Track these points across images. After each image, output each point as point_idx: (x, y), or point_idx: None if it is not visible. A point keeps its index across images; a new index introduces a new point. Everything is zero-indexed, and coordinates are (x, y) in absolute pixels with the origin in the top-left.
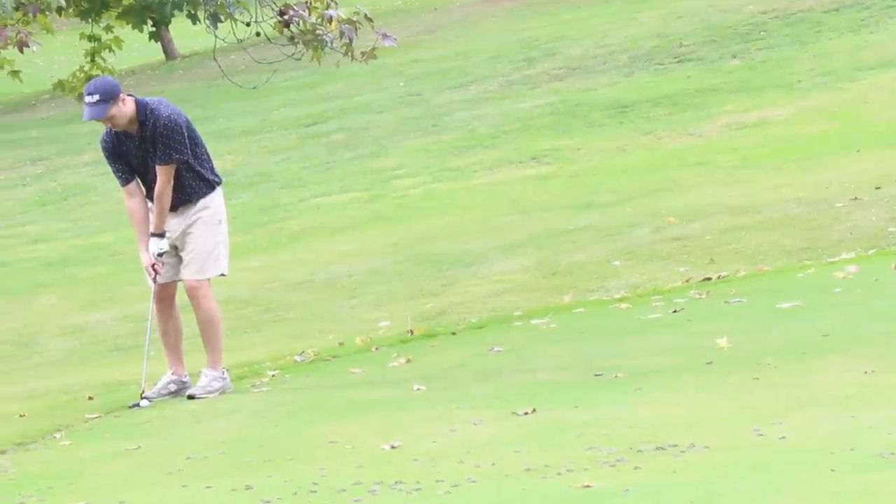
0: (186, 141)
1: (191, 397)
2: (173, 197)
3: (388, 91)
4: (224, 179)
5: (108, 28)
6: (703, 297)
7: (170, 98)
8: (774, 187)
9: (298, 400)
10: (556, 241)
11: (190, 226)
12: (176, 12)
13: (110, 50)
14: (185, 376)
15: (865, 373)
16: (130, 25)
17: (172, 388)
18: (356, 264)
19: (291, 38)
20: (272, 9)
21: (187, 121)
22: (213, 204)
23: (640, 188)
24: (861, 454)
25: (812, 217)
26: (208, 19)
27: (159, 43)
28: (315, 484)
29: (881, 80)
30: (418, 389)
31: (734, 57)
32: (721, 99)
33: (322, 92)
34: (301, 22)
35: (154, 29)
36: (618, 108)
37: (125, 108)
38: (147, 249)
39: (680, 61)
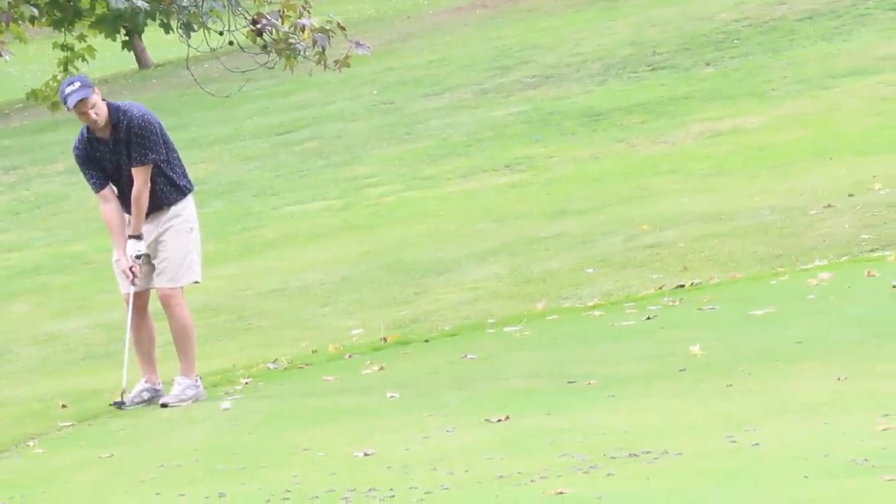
0: (161, 141)
1: (164, 405)
2: (151, 209)
3: (361, 99)
4: (196, 187)
5: (82, 37)
6: (677, 304)
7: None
8: (748, 195)
9: (272, 407)
10: (529, 248)
11: (162, 234)
12: (149, 21)
13: (83, 59)
14: (159, 384)
15: (838, 379)
16: (103, 34)
17: (146, 396)
18: (329, 272)
19: (264, 47)
20: (245, 18)
21: (160, 124)
22: (185, 212)
23: (613, 196)
24: (834, 460)
25: (785, 224)
26: (181, 28)
27: (132, 52)
28: (288, 491)
29: (854, 87)
30: (391, 397)
31: (708, 65)
32: (694, 107)
33: (295, 100)
34: (274, 31)
35: (127, 38)
36: (591, 116)
37: (102, 104)
38: (125, 253)
39: (653, 69)
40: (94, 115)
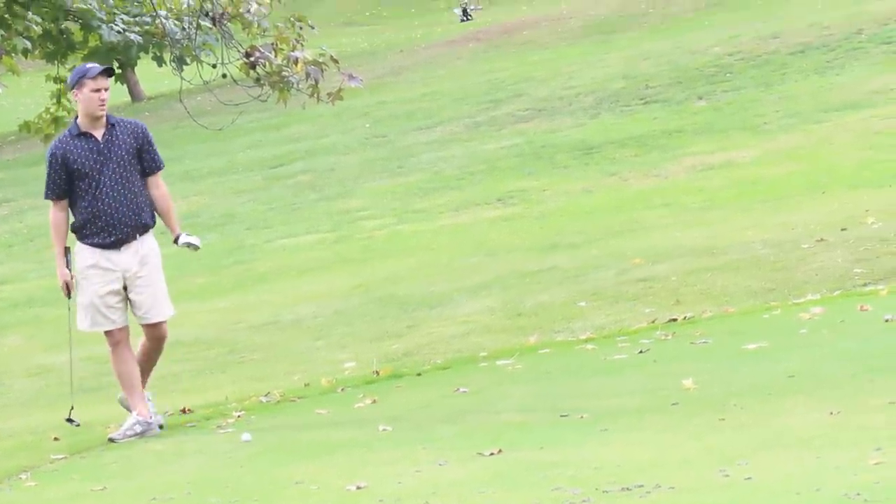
0: None
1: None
2: (133, 224)
3: (354, 132)
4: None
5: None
6: (669, 338)
7: None
8: (740, 228)
9: (264, 440)
10: (521, 282)
11: (143, 267)
12: (142, 54)
13: None
14: (150, 416)
15: (831, 413)
16: None
17: (138, 429)
18: (322, 305)
19: (258, 80)
20: (238, 50)
21: None
22: (155, 244)
23: (605, 229)
24: (827, 495)
25: (778, 258)
26: (174, 61)
27: (125, 85)
28: None
29: (846, 121)
30: (384, 430)
31: (700, 98)
32: (687, 140)
33: (288, 133)
34: (267, 63)
35: (120, 71)
36: (584, 150)
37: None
38: (65, 265)
39: (646, 103)
40: (105, 96)
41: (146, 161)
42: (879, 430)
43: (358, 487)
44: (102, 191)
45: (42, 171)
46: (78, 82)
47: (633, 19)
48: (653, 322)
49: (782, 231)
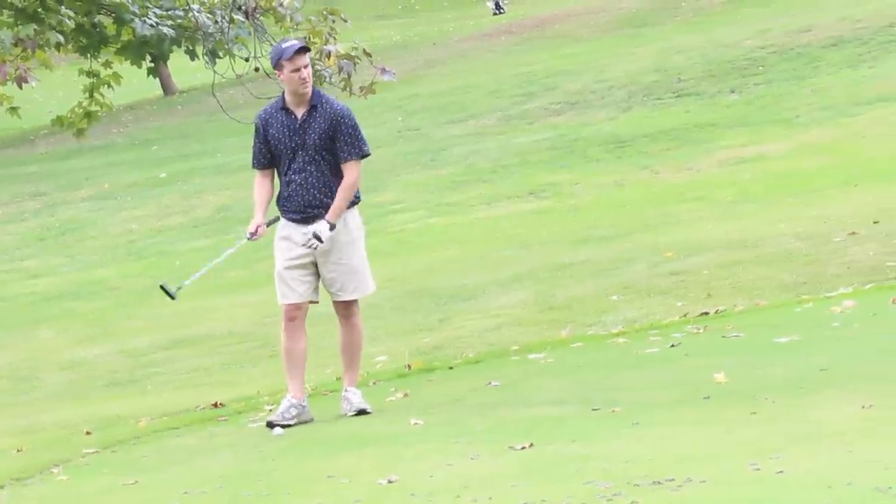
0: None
1: (362, 412)
2: (318, 205)
3: (387, 126)
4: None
5: (107, 64)
6: (701, 331)
7: (169, 134)
8: (772, 222)
9: (296, 434)
10: (553, 275)
11: (343, 244)
12: (174, 48)
13: (109, 86)
14: (305, 400)
15: (863, 407)
16: (129, 61)
17: (294, 412)
18: None
19: None
20: (271, 44)
21: None
22: (358, 221)
23: (637, 223)
24: (858, 488)
25: (810, 252)
26: (207, 55)
27: (158, 78)
28: None
29: (879, 114)
30: (416, 424)
31: (732, 92)
32: (719, 134)
33: None
34: None
35: (153, 64)
36: (616, 143)
37: (310, 72)
38: (261, 221)
39: (678, 96)
40: (306, 74)
41: (339, 148)
42: None
43: (389, 481)
44: (294, 169)
45: (74, 165)
46: (277, 64)
47: (665, 12)
48: (684, 316)
49: (814, 224)
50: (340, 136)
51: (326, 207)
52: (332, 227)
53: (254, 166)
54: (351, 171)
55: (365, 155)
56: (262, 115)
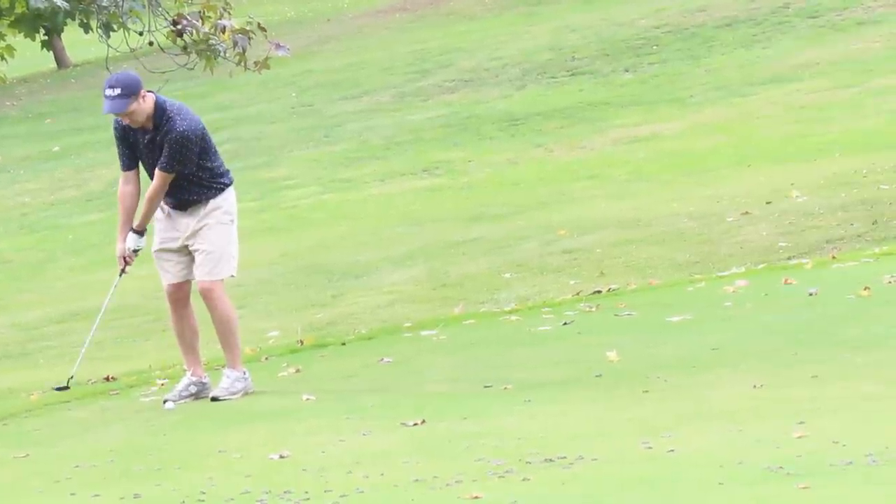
0: (194, 157)
1: (214, 399)
2: (182, 198)
3: (281, 101)
4: (234, 179)
5: (1, 36)
6: (593, 309)
7: (62, 107)
8: (665, 201)
9: (187, 408)
10: (446, 252)
11: (202, 226)
12: (68, 21)
13: (2, 58)
14: (205, 377)
15: (754, 387)
16: (23, 34)
17: (193, 389)
18: (246, 274)
19: (184, 48)
20: (165, 18)
21: (203, 132)
22: (226, 203)
23: (531, 201)
24: (749, 467)
25: (702, 231)
26: (101, 28)
27: (52, 52)
28: (203, 493)
29: (772, 95)
30: (308, 399)
31: (626, 71)
32: (613, 113)
33: (214, 102)
34: (194, 31)
35: (46, 37)
36: (510, 121)
37: (145, 104)
38: (124, 240)
39: (572, 75)
40: (132, 118)
41: (162, 156)
42: (802, 404)
43: (281, 456)
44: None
45: None
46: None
47: None
48: (577, 294)
49: (707, 204)
50: (166, 149)
51: (199, 196)
52: (142, 234)
53: (123, 169)
54: (159, 179)
55: (173, 172)
56: (117, 124)
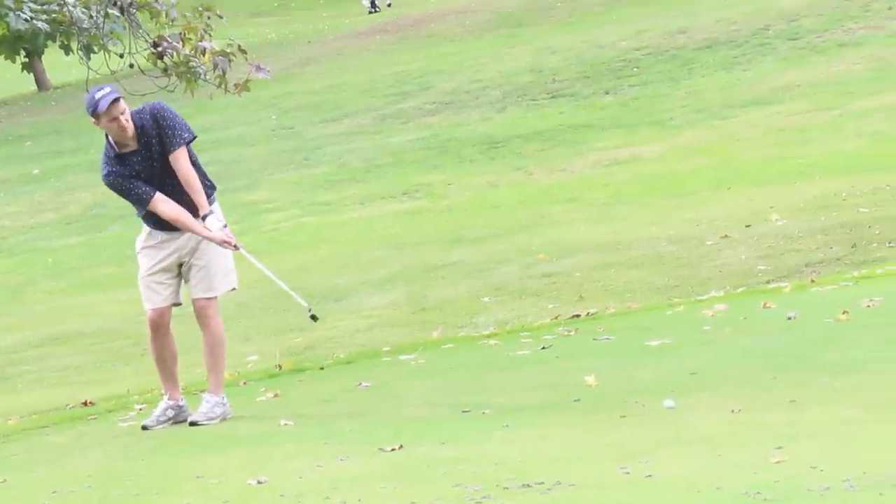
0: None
1: (193, 424)
2: (183, 200)
3: (261, 124)
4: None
5: None
6: (572, 333)
7: (42, 130)
8: (645, 224)
9: (165, 433)
10: (426, 276)
11: (200, 241)
12: (49, 43)
13: None
14: (182, 400)
15: (732, 411)
16: (3, 56)
17: (170, 413)
18: (225, 298)
19: (165, 70)
20: (146, 40)
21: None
22: (217, 212)
23: (510, 224)
24: (727, 493)
25: (682, 255)
26: (81, 50)
27: (32, 74)
28: None
29: (753, 117)
30: (286, 424)
31: (607, 93)
32: (593, 135)
33: (195, 124)
34: (175, 54)
35: (27, 59)
36: (490, 144)
37: (128, 113)
38: (209, 230)
39: (553, 97)
40: (124, 122)
41: (166, 141)
42: (780, 428)
43: (259, 482)
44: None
45: None
46: (93, 114)
47: (541, 13)
48: (556, 318)
49: (687, 227)
50: (162, 130)
51: (192, 204)
52: (213, 213)
53: (151, 198)
54: (181, 158)
55: (192, 136)
56: (110, 171)
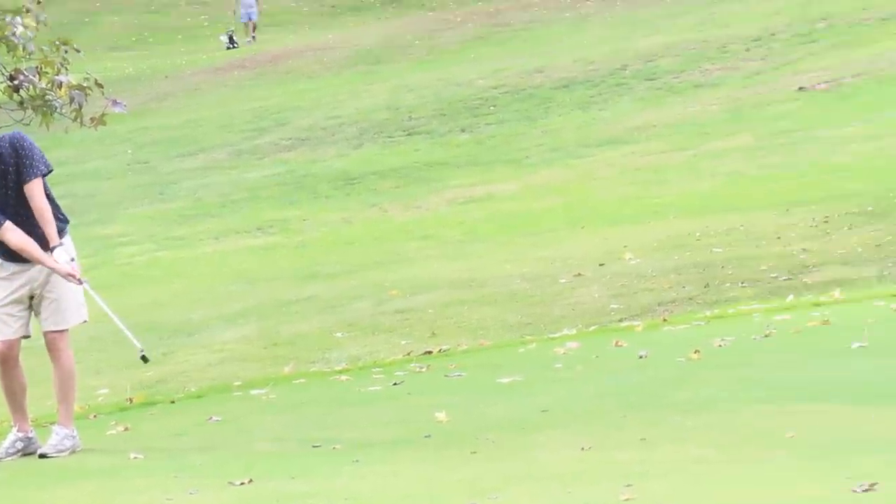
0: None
1: (42, 456)
2: (35, 232)
3: (117, 158)
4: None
5: None
6: (424, 370)
7: None
8: (499, 262)
9: (12, 466)
10: (279, 311)
11: (51, 274)
12: None
13: None
14: (31, 432)
15: (583, 449)
16: None
17: (20, 445)
18: (77, 331)
19: (21, 103)
20: (2, 73)
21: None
22: (68, 245)
23: (364, 260)
24: None
25: (535, 293)
26: None
27: None
28: None
29: (608, 157)
30: (135, 458)
31: (463, 131)
32: (449, 173)
33: (51, 157)
34: (31, 87)
35: None
36: (345, 180)
37: None
38: (56, 262)
39: (409, 134)
40: None
41: (22, 171)
42: (630, 466)
43: None
44: (9, 216)
45: None
46: None
47: (399, 50)
48: (408, 354)
49: (541, 265)
50: (20, 160)
51: (43, 237)
52: (61, 245)
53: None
54: (36, 189)
55: (48, 170)
56: None
